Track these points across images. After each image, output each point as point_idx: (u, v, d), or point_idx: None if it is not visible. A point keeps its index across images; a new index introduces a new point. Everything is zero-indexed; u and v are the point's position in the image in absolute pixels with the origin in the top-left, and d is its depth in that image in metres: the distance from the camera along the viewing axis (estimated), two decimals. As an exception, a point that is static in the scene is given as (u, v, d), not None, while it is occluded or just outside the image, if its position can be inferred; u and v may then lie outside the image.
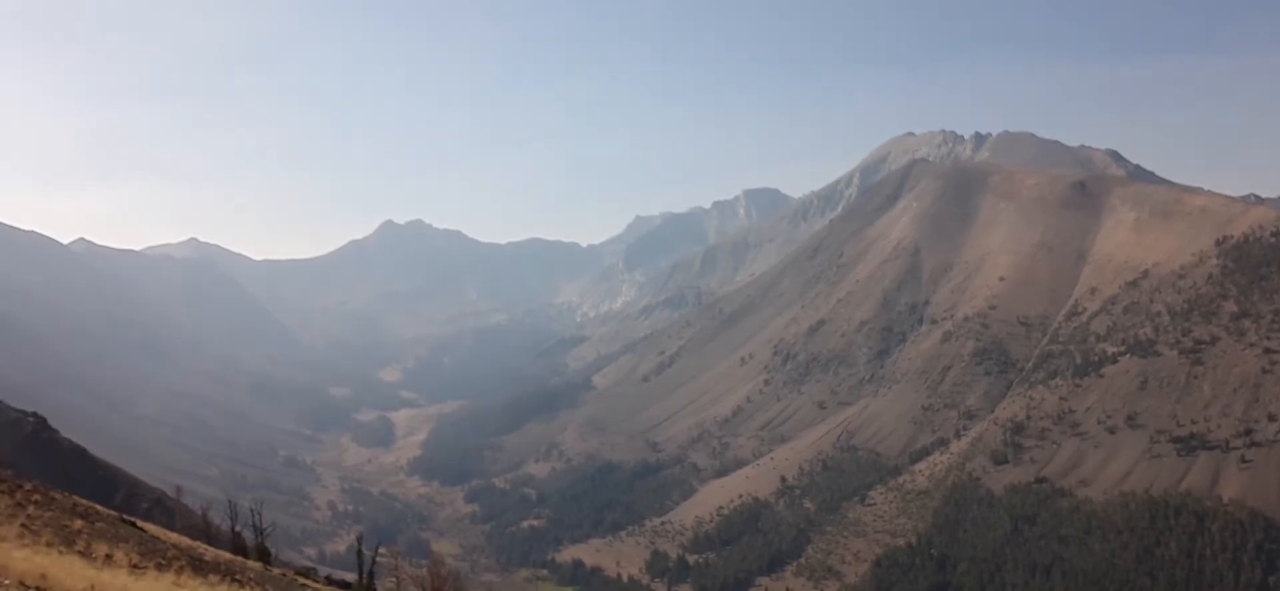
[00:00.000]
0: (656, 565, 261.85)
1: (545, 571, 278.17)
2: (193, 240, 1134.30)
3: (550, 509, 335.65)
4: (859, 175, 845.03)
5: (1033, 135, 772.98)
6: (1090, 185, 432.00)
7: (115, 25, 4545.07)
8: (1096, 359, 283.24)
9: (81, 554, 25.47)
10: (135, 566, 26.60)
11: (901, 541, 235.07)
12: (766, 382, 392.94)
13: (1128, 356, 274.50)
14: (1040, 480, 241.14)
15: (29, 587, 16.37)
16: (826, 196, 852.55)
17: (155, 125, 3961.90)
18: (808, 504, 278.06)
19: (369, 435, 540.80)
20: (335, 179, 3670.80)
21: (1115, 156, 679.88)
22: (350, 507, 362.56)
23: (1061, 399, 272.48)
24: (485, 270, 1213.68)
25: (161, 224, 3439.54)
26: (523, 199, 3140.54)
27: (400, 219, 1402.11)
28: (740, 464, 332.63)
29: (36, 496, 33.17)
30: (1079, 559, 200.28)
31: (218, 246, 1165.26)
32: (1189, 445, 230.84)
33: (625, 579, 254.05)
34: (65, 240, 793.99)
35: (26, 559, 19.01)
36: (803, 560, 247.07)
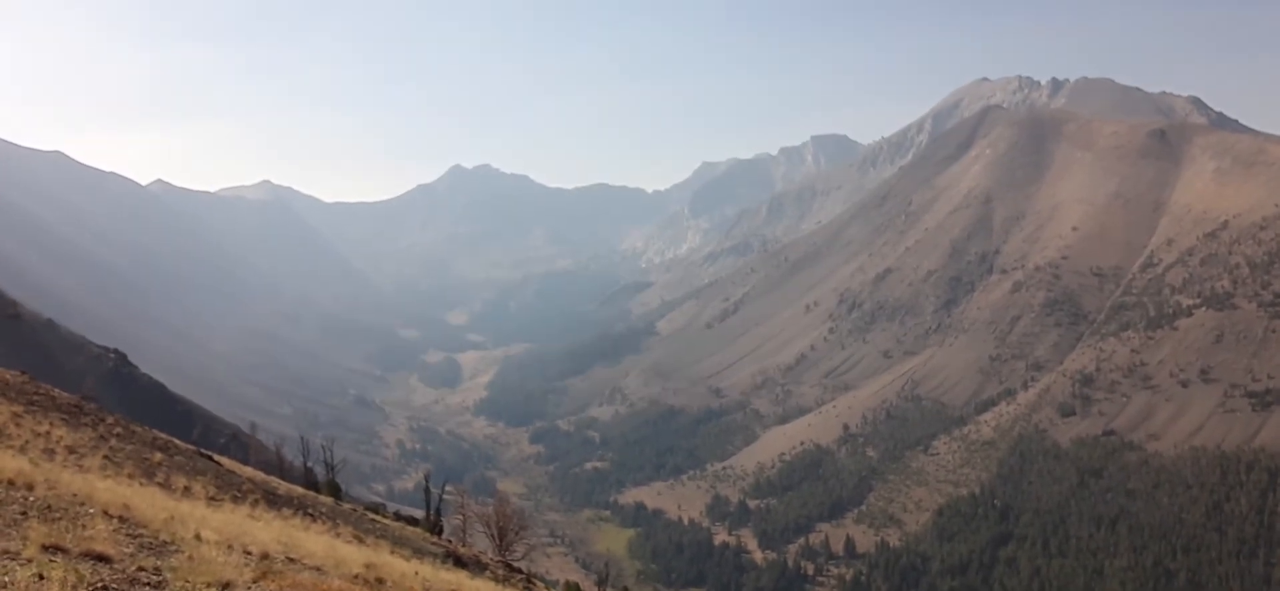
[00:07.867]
0: (717, 509, 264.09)
1: (608, 512, 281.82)
2: (266, 182, 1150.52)
3: (613, 451, 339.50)
4: (931, 122, 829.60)
5: (1112, 81, 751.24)
6: (1170, 134, 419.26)
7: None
8: (1171, 311, 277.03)
9: (161, 485, 26.62)
10: (212, 499, 27.73)
11: (964, 491, 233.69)
12: (831, 331, 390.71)
13: (1203, 309, 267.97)
14: (1108, 433, 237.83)
15: (112, 517, 17.20)
16: (896, 143, 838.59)
17: (229, 68, 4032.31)
18: (870, 452, 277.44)
19: (436, 376, 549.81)
20: (404, 123, 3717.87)
21: (1198, 104, 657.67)
22: (418, 446, 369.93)
23: (1133, 351, 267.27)
24: (551, 215, 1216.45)
25: (235, 166, 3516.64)
26: (589, 144, 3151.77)
27: (468, 163, 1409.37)
28: (803, 411, 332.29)
29: (118, 429, 34.57)
30: (1146, 512, 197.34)
31: (290, 188, 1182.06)
32: (1264, 400, 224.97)
33: (686, 521, 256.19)
34: (144, 181, 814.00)
35: (109, 489, 19.85)
36: (864, 507, 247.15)
